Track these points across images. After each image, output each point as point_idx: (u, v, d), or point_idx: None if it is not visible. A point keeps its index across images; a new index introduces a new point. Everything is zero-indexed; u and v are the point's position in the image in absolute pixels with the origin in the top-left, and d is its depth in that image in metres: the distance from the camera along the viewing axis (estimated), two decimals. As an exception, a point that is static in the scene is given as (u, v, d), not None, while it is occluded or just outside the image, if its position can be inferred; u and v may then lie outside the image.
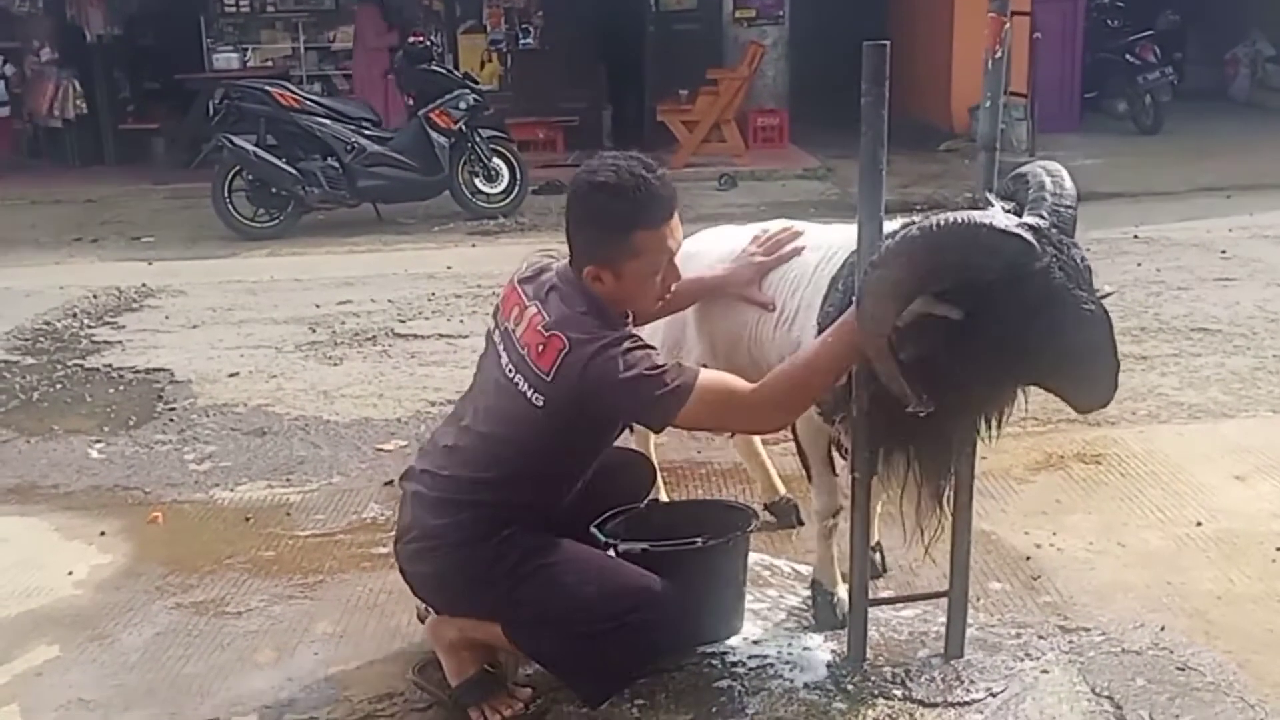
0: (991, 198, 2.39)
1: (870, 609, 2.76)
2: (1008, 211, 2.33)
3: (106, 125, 12.40)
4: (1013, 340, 2.27)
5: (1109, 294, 2.65)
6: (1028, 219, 2.29)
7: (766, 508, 3.62)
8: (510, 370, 2.59)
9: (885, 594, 2.99)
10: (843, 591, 2.93)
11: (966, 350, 2.31)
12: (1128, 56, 12.63)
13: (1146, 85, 12.52)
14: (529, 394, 2.52)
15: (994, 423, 2.58)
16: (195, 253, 8.80)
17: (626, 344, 2.48)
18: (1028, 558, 3.30)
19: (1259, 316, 5.58)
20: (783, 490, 3.66)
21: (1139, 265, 6.69)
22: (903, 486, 2.59)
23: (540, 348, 2.51)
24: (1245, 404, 4.47)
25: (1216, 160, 10.84)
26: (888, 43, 2.41)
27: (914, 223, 2.32)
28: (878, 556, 3.16)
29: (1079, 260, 2.28)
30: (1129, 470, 3.88)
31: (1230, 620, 2.92)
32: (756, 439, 3.62)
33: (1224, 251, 7.00)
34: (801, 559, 3.34)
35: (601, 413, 2.55)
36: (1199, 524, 3.45)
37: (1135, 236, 7.55)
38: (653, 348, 2.55)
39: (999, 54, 2.49)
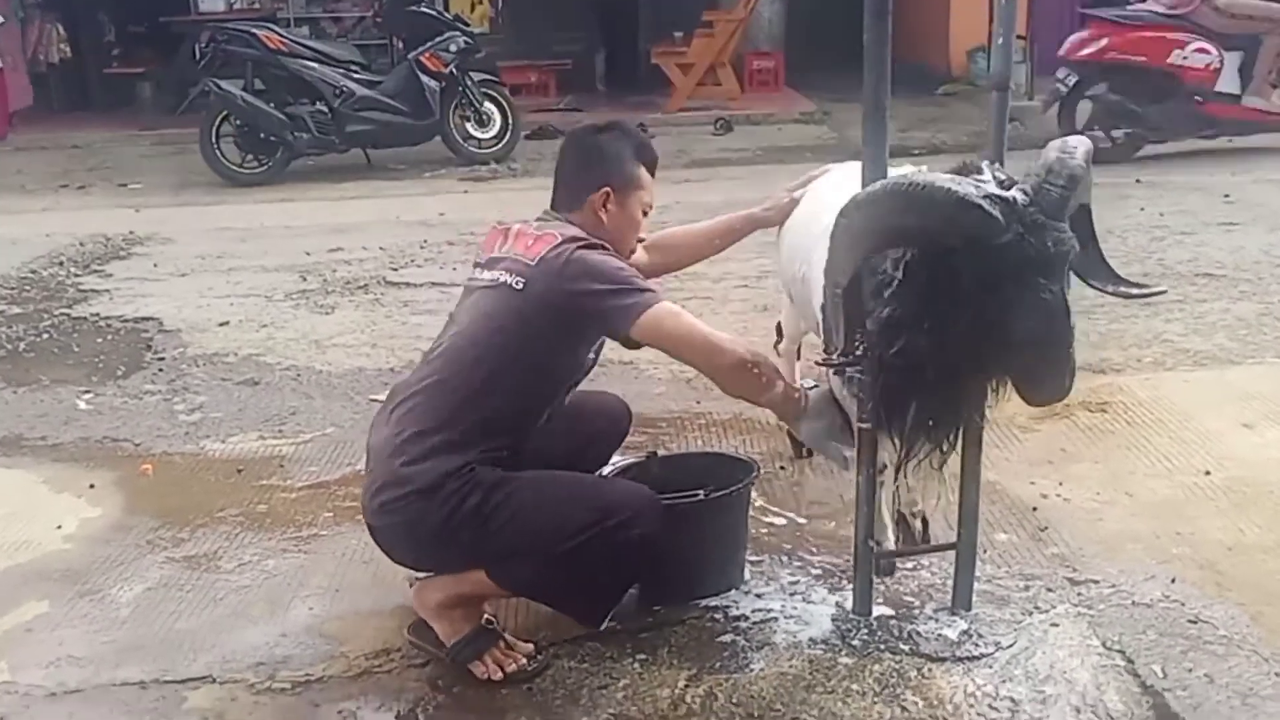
0: (984, 164, 2.29)
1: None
2: (1001, 181, 2.23)
3: (92, 70, 12.18)
4: (969, 315, 2.21)
5: (1159, 291, 2.59)
6: (1001, 192, 2.17)
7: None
8: (495, 279, 2.63)
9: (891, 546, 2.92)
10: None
11: (939, 320, 2.25)
12: (1128, -2, 12.44)
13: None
14: (510, 280, 2.59)
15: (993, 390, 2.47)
16: (183, 199, 8.68)
17: (608, 250, 2.65)
18: (1034, 508, 3.25)
19: (1264, 261, 5.51)
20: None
21: (1141, 210, 6.60)
22: (908, 439, 2.51)
23: (531, 242, 2.63)
24: (1251, 350, 4.40)
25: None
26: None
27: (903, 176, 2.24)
28: (919, 524, 2.98)
29: (1051, 245, 2.14)
30: (1135, 418, 3.82)
31: (1241, 572, 2.87)
32: (798, 369, 3.68)
33: (1227, 196, 6.91)
34: (805, 511, 3.29)
35: (569, 304, 2.54)
36: (1207, 473, 3.40)
37: (1138, 181, 7.45)
38: (620, 258, 2.67)
39: (1010, -6, 2.39)
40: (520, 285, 2.57)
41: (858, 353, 2.35)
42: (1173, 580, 2.83)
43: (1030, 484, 3.39)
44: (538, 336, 2.57)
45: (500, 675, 2.61)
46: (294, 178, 9.17)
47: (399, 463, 2.55)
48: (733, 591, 2.86)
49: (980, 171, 2.25)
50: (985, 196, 2.13)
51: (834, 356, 2.41)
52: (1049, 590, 2.81)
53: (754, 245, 6.12)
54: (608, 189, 2.73)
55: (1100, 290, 2.40)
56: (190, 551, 3.26)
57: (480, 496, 2.52)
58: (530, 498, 2.55)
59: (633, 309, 2.51)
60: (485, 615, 2.70)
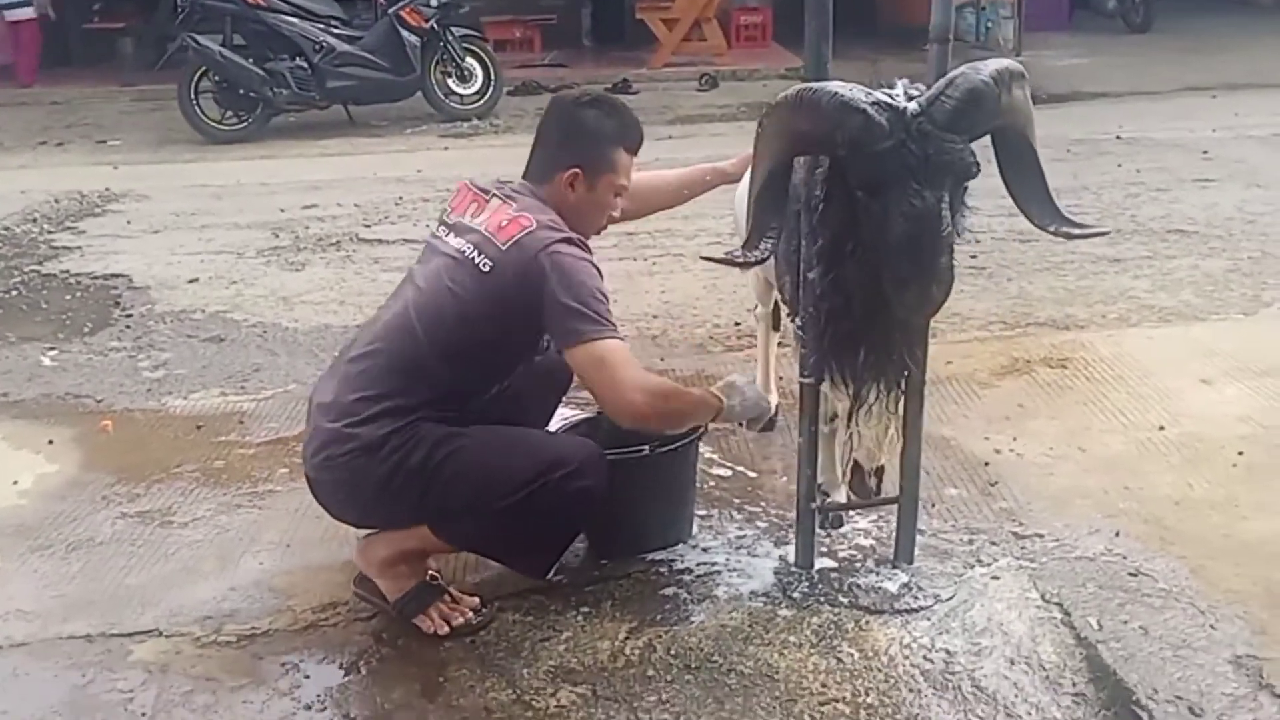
0: (899, 81, 2.29)
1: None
2: (912, 96, 2.23)
3: (72, 25, 12.07)
4: (855, 218, 2.25)
5: (1101, 232, 2.58)
6: (889, 100, 2.19)
7: None
8: (461, 250, 2.59)
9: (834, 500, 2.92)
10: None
11: (855, 234, 2.29)
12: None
13: (1137, -18, 12.28)
14: (477, 260, 2.55)
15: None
16: (162, 156, 8.64)
17: (587, 255, 2.58)
18: (986, 463, 3.25)
19: (1236, 218, 5.50)
20: (774, 399, 3.59)
21: (1119, 166, 6.58)
22: (857, 384, 2.51)
23: (504, 222, 2.56)
24: (1217, 306, 4.41)
25: (1205, 58, 10.69)
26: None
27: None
28: (875, 481, 2.98)
29: (933, 153, 2.15)
30: (1095, 374, 3.82)
31: (1186, 526, 2.88)
32: (775, 338, 3.65)
33: (1206, 152, 6.88)
34: (757, 466, 3.30)
35: (532, 298, 2.51)
36: (1161, 428, 3.40)
37: (1118, 137, 7.43)
38: (595, 266, 2.60)
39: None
40: (487, 268, 2.53)
41: (760, 255, 2.35)
42: (1116, 534, 2.84)
43: (985, 439, 3.40)
44: (499, 319, 2.54)
45: (446, 629, 2.62)
46: (274, 134, 9.12)
47: (344, 423, 2.54)
48: (680, 545, 2.87)
49: (893, 86, 2.25)
50: (873, 103, 2.16)
51: (733, 254, 2.39)
52: (992, 544, 2.82)
53: (727, 201, 6.15)
54: (577, 169, 2.66)
55: (1041, 228, 2.39)
56: (144, 507, 3.26)
57: (424, 452, 2.52)
58: (474, 453, 2.54)
59: (581, 335, 2.47)
60: (430, 570, 2.71)
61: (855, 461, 2.89)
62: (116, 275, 5.50)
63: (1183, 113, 8.24)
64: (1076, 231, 2.41)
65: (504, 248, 2.52)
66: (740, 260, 2.37)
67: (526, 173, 2.75)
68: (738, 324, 4.49)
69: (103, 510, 3.25)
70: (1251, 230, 5.29)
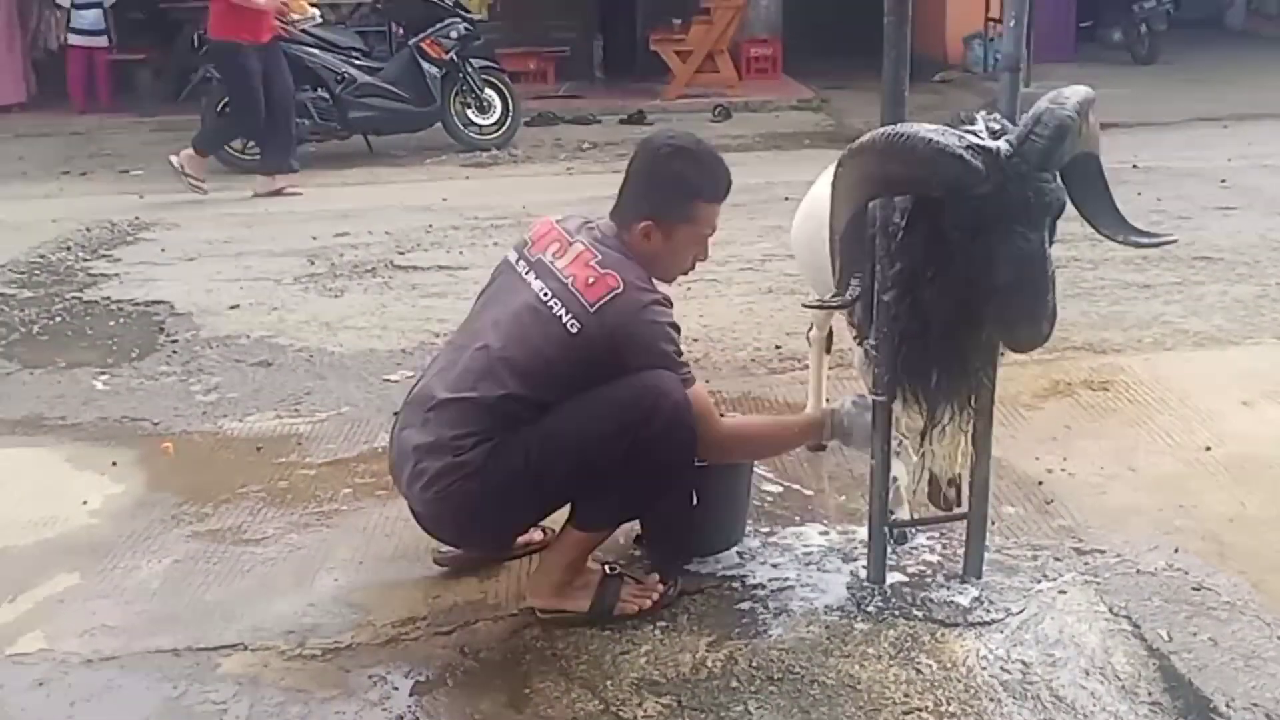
0: (978, 115, 2.37)
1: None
2: (994, 131, 2.31)
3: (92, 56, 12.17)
4: (957, 261, 2.30)
5: (1170, 240, 2.67)
6: (984, 142, 2.25)
7: None
8: (546, 295, 2.64)
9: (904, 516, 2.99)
10: None
11: (939, 267, 2.36)
12: (1125, -13, 12.54)
13: (1142, 14, 12.46)
14: (565, 318, 2.60)
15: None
16: (186, 185, 8.70)
17: (670, 314, 2.67)
18: (1040, 483, 3.33)
19: (1261, 245, 5.59)
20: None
21: (1139, 195, 6.68)
22: (930, 404, 2.59)
23: (591, 280, 2.61)
24: (1250, 331, 4.49)
25: (1213, 89, 10.84)
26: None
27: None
28: (954, 491, 2.96)
29: (1032, 195, 2.22)
30: (1137, 397, 3.90)
31: (1243, 542, 2.95)
32: (826, 361, 3.74)
33: (1224, 181, 7.00)
34: (817, 486, 3.37)
35: (622, 359, 2.60)
36: (1208, 448, 3.48)
37: (1134, 166, 7.54)
38: (677, 328, 2.69)
39: (1025, -28, 2.47)
40: (575, 329, 2.58)
41: (850, 295, 2.44)
42: (1176, 550, 2.91)
43: (1035, 459, 3.47)
44: (585, 372, 2.61)
45: (650, 605, 2.73)
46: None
47: (451, 456, 2.60)
48: (750, 561, 2.94)
49: (973, 122, 2.33)
50: (967, 147, 2.22)
51: (829, 298, 2.50)
52: (1056, 560, 2.89)
53: (757, 229, 6.26)
54: (650, 221, 2.69)
55: (1111, 238, 2.49)
56: (214, 526, 3.32)
57: (524, 452, 2.59)
58: (563, 435, 2.59)
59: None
60: (602, 567, 2.79)
61: (931, 474, 2.97)
62: (158, 302, 5.57)
63: (1196, 142, 8.37)
64: (1146, 240, 2.51)
65: (591, 309, 2.58)
66: (838, 304, 2.46)
67: (613, 210, 2.81)
68: (778, 347, 4.57)
69: (174, 529, 3.31)
70: (1277, 257, 5.39)
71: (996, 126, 2.34)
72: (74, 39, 11.45)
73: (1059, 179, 2.28)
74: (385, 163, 9.33)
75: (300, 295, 5.60)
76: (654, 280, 2.71)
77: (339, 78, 9.12)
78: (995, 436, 3.54)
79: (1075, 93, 2.32)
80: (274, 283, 5.81)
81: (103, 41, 11.58)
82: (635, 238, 2.72)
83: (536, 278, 2.70)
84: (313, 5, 8.80)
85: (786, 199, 6.67)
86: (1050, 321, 2.27)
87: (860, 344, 2.78)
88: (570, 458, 2.59)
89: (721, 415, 2.90)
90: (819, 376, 3.70)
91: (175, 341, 5.00)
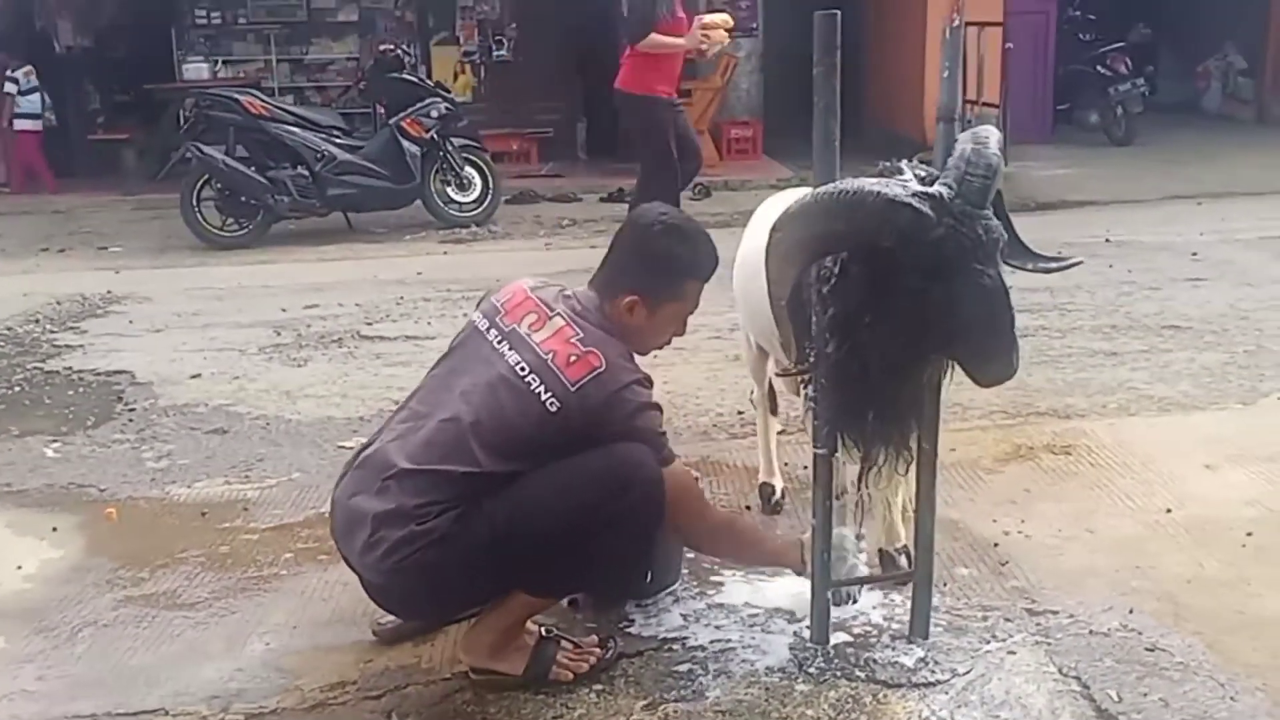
0: (905, 165, 2.36)
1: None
2: (921, 178, 2.30)
3: (76, 137, 12.27)
4: (913, 308, 2.28)
5: (1075, 263, 2.64)
6: (925, 189, 2.25)
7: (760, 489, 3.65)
8: (522, 370, 2.57)
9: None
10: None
11: (878, 309, 2.33)
12: (1099, 68, 12.70)
13: (1118, 96, 12.58)
14: (544, 397, 2.53)
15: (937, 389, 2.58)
16: (162, 262, 8.70)
17: (651, 394, 2.62)
18: (995, 544, 3.25)
19: (1230, 314, 5.57)
20: (778, 482, 3.63)
21: (1110, 267, 6.69)
22: (866, 446, 2.54)
23: (572, 358, 2.55)
24: (1215, 397, 4.45)
25: (1188, 169, 10.90)
26: (838, 12, 2.41)
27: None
28: (903, 560, 2.97)
29: (982, 232, 2.23)
30: (1099, 460, 3.84)
31: (1200, 603, 2.88)
32: (774, 423, 3.71)
33: (1195, 254, 7.00)
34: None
35: (601, 437, 2.55)
36: (1169, 510, 3.42)
37: (1107, 240, 7.55)
38: (659, 407, 2.66)
39: (955, 23, 2.47)
40: (554, 408, 2.52)
41: (810, 360, 2.41)
42: (1130, 611, 2.83)
43: (993, 522, 3.40)
44: (560, 451, 2.54)
45: (585, 669, 2.64)
46: (274, 241, 9.20)
47: (414, 524, 2.49)
48: (692, 624, 2.85)
49: (901, 171, 2.32)
50: (913, 195, 2.22)
51: (790, 368, 2.47)
52: (1007, 620, 2.81)
53: (728, 300, 6.22)
54: (636, 297, 2.66)
55: (1020, 268, 2.48)
56: (148, 590, 3.24)
57: (491, 521, 2.50)
58: (536, 502, 2.51)
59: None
60: (538, 629, 2.70)
61: (880, 551, 2.92)
62: (119, 372, 5.50)
63: (1169, 219, 8.40)
64: (1054, 265, 2.51)
65: (573, 389, 2.52)
66: (799, 371, 2.50)
67: (594, 280, 2.76)
68: (740, 412, 4.52)
69: (107, 594, 3.22)
70: (1245, 325, 5.36)
71: (923, 173, 2.33)
72: (19, 124, 11.44)
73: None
74: (364, 239, 9.32)
75: (263, 365, 5.54)
76: (634, 357, 2.67)
77: (319, 155, 9.15)
78: (952, 500, 3.54)
79: (988, 130, 2.36)
80: (238, 353, 5.76)
81: (39, 125, 11.51)
82: (619, 311, 2.68)
83: (511, 349, 2.61)
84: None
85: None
86: (1018, 354, 2.28)
87: (799, 392, 2.75)
88: (538, 527, 2.49)
89: None
90: (766, 438, 3.65)
91: (132, 410, 4.92)
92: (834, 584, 2.68)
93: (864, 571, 2.80)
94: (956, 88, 2.52)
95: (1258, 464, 3.73)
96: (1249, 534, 3.23)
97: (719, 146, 12.02)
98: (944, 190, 2.23)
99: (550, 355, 2.57)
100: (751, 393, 3.72)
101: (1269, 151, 11.64)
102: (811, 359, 2.45)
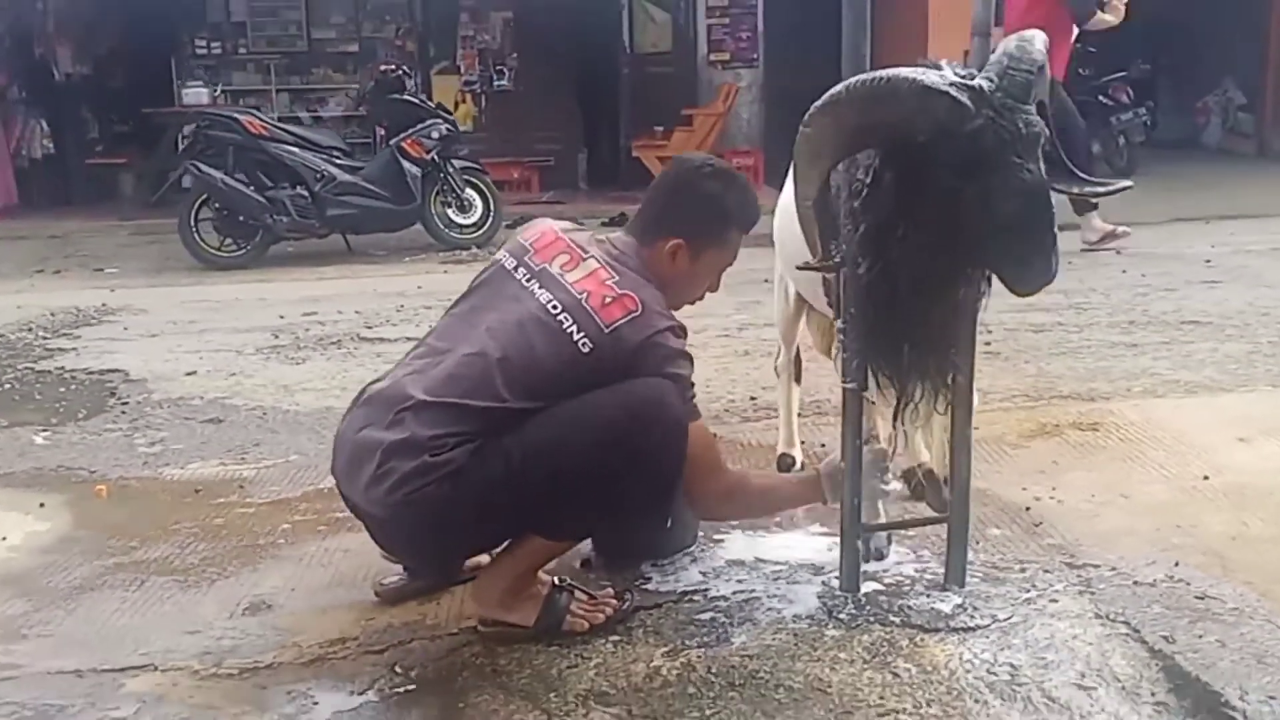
0: (944, 63, 2.24)
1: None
2: (961, 76, 2.18)
3: (74, 163, 12.20)
4: (948, 206, 2.17)
5: (1125, 186, 2.51)
6: (967, 80, 2.14)
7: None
8: (554, 308, 2.45)
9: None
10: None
11: (912, 218, 2.22)
12: (1101, 98, 12.66)
13: (1120, 125, 12.55)
14: (576, 336, 2.42)
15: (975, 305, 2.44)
16: (159, 281, 8.57)
17: (683, 342, 2.51)
18: (1027, 508, 3.11)
19: (1249, 311, 5.45)
20: (798, 454, 3.49)
21: (1123, 272, 6.59)
22: (901, 380, 2.39)
23: (607, 299, 2.45)
24: (1242, 380, 4.31)
25: (1192, 195, 10.83)
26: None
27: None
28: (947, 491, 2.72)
29: (1022, 126, 2.12)
30: (1128, 436, 3.70)
31: (1247, 558, 2.73)
32: (796, 392, 3.58)
33: (1208, 261, 6.90)
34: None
35: (636, 373, 2.42)
36: (1205, 478, 3.27)
37: (1117, 252, 7.45)
38: (691, 359, 2.54)
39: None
40: (587, 349, 2.40)
41: (835, 259, 2.31)
42: (1175, 564, 2.68)
43: (1022, 489, 3.25)
44: (590, 386, 2.41)
45: (601, 620, 2.49)
46: (272, 262, 9.08)
47: (428, 455, 2.35)
48: (712, 579, 2.70)
49: (939, 68, 2.20)
50: (951, 84, 2.11)
51: (815, 262, 2.37)
52: (1046, 572, 2.66)
53: (735, 304, 6.12)
54: (680, 241, 2.57)
55: (1065, 191, 2.36)
56: (139, 558, 3.08)
57: (507, 455, 2.36)
58: (553, 437, 2.37)
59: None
60: (550, 579, 2.55)
61: (930, 471, 2.78)
62: (112, 370, 5.36)
63: (1177, 235, 8.30)
64: (1101, 189, 2.39)
65: (607, 330, 2.41)
66: (822, 266, 2.36)
67: (631, 226, 2.66)
68: (753, 398, 4.39)
69: (95, 561, 3.07)
70: (1267, 320, 5.23)
71: (964, 72, 2.21)
72: None
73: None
74: (363, 260, 9.21)
75: (260, 363, 5.41)
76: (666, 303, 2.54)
77: (318, 175, 9.06)
78: (978, 472, 3.36)
79: (1034, 33, 2.25)
80: (235, 353, 5.62)
81: None
82: (660, 255, 2.57)
83: (541, 288, 2.48)
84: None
85: (765, 280, 6.58)
86: (1058, 257, 2.15)
87: (830, 352, 2.62)
88: (557, 463, 2.35)
89: None
90: (789, 407, 3.51)
91: (125, 404, 4.78)
92: (865, 528, 2.54)
93: (895, 488, 2.65)
94: (990, 3, 2.41)
95: (1293, 437, 3.59)
96: (1291, 496, 3.09)
97: (720, 175, 11.97)
98: (984, 83, 2.12)
99: (584, 295, 2.45)
100: (777, 357, 3.57)
101: (1272, 181, 11.57)
102: (837, 258, 2.31)
